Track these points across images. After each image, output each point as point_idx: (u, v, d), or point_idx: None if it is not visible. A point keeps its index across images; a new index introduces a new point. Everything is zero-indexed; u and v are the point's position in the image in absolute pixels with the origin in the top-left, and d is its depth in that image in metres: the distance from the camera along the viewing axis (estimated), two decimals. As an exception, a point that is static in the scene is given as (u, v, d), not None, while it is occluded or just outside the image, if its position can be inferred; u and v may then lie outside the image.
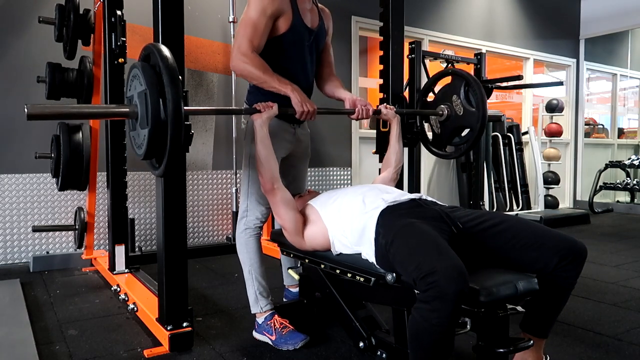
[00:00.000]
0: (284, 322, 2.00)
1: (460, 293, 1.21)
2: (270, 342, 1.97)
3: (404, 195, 1.71)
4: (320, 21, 2.09)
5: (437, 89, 2.57)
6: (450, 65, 4.32)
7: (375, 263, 1.54)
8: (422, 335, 1.27)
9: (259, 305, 2.03)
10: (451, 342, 1.28)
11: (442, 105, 2.39)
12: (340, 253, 1.71)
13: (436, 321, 1.22)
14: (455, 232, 1.51)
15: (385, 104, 2.27)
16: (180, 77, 1.86)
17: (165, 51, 1.44)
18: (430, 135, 2.62)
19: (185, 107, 1.42)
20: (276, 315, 2.02)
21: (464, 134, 2.41)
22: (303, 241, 1.79)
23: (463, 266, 1.25)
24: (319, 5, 2.15)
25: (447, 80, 2.45)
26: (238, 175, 3.91)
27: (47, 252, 3.35)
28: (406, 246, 1.40)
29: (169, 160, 1.43)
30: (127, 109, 1.50)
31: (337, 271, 1.73)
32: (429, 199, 1.74)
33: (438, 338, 1.25)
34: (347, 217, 1.67)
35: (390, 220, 1.53)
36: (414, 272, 1.28)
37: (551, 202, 5.82)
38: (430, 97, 2.62)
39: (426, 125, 2.70)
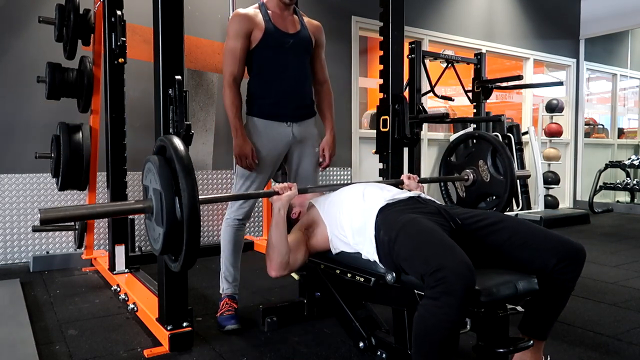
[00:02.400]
0: (232, 306, 2.21)
1: (469, 289, 1.22)
2: (217, 317, 2.21)
3: (402, 193, 1.71)
4: (302, 28, 2.23)
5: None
6: (450, 65, 4.33)
7: (377, 261, 1.53)
8: (429, 331, 1.26)
9: (221, 287, 2.27)
10: (457, 339, 1.28)
11: (468, 170, 2.27)
12: (339, 252, 1.71)
13: (444, 317, 1.22)
14: (453, 227, 1.52)
15: (408, 174, 2.14)
16: (181, 76, 1.90)
17: (181, 147, 1.37)
18: (454, 196, 2.48)
19: (200, 197, 1.37)
20: (227, 299, 2.23)
21: (489, 199, 2.31)
22: (310, 251, 1.79)
23: (471, 262, 1.25)
24: (307, 18, 2.31)
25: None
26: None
27: (47, 252, 3.35)
28: (412, 242, 1.39)
29: (185, 259, 1.39)
30: (143, 205, 1.45)
31: (337, 271, 1.73)
32: (428, 197, 1.74)
33: (445, 334, 1.25)
34: (346, 214, 1.67)
35: (391, 216, 1.53)
36: (422, 268, 1.28)
37: (551, 202, 5.82)
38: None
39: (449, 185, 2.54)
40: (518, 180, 5.44)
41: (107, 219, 3.08)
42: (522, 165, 5.67)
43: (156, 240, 1.44)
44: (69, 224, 3.31)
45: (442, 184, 2.48)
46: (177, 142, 1.39)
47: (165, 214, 1.34)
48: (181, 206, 1.33)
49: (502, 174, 2.16)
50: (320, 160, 2.35)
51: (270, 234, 1.70)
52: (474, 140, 2.35)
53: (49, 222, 1.30)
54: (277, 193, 1.72)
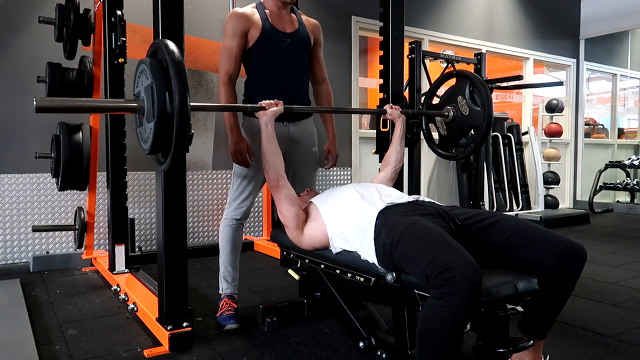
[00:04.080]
0: (231, 305, 2.21)
1: (476, 289, 1.22)
2: (217, 317, 2.21)
3: (402, 198, 1.72)
4: (300, 27, 2.23)
5: (441, 91, 2.57)
6: (450, 65, 4.33)
7: (376, 263, 1.53)
8: (434, 331, 1.26)
9: (221, 287, 2.28)
10: (461, 339, 1.28)
11: (448, 107, 2.39)
12: (339, 251, 1.71)
13: (450, 317, 1.23)
14: (453, 228, 1.52)
15: (390, 104, 2.32)
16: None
17: (172, 46, 1.46)
18: (436, 137, 2.62)
19: (191, 103, 1.44)
20: (227, 298, 2.23)
21: (470, 134, 2.41)
22: (302, 237, 1.79)
23: (477, 263, 1.25)
24: (305, 17, 2.32)
25: (452, 82, 2.45)
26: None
27: (47, 252, 3.35)
28: (416, 243, 1.39)
29: (174, 153, 1.44)
30: (135, 104, 1.53)
31: (337, 271, 1.73)
32: (427, 200, 1.74)
33: (450, 334, 1.25)
34: (346, 214, 1.67)
35: (391, 219, 1.53)
36: (428, 269, 1.28)
37: (551, 202, 5.83)
38: (435, 99, 2.61)
39: (431, 127, 2.69)
40: (517, 177, 5.49)
41: (107, 219, 3.08)
42: (522, 165, 5.68)
43: (146, 140, 1.50)
44: (69, 224, 3.32)
45: (423, 125, 2.64)
46: (170, 43, 1.47)
47: (157, 106, 1.41)
48: (171, 100, 1.40)
49: (479, 106, 2.28)
50: (326, 161, 2.39)
51: (263, 148, 1.83)
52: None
53: (44, 110, 1.35)
54: (264, 108, 1.83)
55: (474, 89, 2.29)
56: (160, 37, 1.90)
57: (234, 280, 2.27)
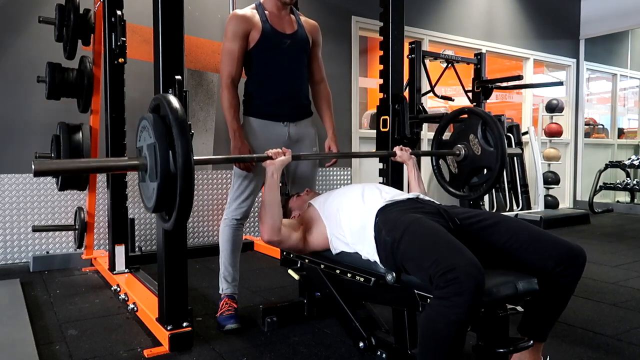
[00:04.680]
0: (232, 305, 2.21)
1: (479, 290, 1.22)
2: (217, 317, 2.21)
3: (402, 195, 1.72)
4: (299, 28, 2.23)
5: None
6: (450, 65, 4.33)
7: (378, 262, 1.53)
8: (438, 332, 1.26)
9: (221, 287, 2.28)
10: (463, 340, 1.28)
11: (459, 145, 2.29)
12: (339, 252, 1.71)
13: (454, 317, 1.22)
14: (452, 227, 1.52)
15: (400, 145, 2.20)
16: (181, 76, 1.90)
17: (175, 102, 1.40)
18: (446, 174, 2.49)
19: (194, 157, 1.37)
20: (227, 298, 2.23)
21: (482, 173, 2.30)
22: (305, 248, 1.80)
23: (479, 262, 1.25)
24: (304, 17, 2.31)
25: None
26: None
27: (47, 252, 3.35)
28: (418, 242, 1.39)
29: (179, 214, 1.38)
30: (137, 162, 1.45)
31: (337, 271, 1.73)
32: (426, 198, 1.74)
33: (455, 335, 1.25)
34: (346, 214, 1.67)
35: (392, 217, 1.53)
36: (431, 269, 1.28)
37: (551, 202, 5.82)
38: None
39: (441, 162, 2.55)
40: (517, 177, 5.48)
41: (107, 219, 3.08)
42: (522, 166, 5.68)
43: (149, 198, 1.44)
44: (69, 224, 3.32)
45: (433, 162, 2.51)
46: (172, 98, 1.41)
47: (159, 167, 1.35)
48: (175, 160, 1.34)
49: (492, 146, 2.17)
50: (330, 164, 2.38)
51: (264, 197, 1.74)
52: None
53: (42, 174, 1.30)
54: (271, 158, 1.74)
55: (486, 127, 2.19)
56: (160, 37, 1.91)
57: (234, 280, 2.27)
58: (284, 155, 1.75)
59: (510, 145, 5.56)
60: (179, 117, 1.35)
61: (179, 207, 1.36)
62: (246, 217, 2.27)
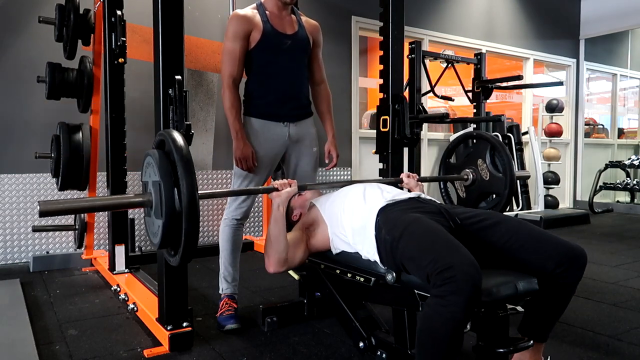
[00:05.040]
0: (232, 305, 2.22)
1: (476, 288, 1.22)
2: (217, 317, 2.21)
3: (403, 194, 1.72)
4: (300, 29, 2.23)
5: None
6: (450, 65, 4.33)
7: (378, 261, 1.53)
8: (435, 330, 1.26)
9: (221, 287, 2.28)
10: (461, 339, 1.28)
11: (467, 170, 2.27)
12: (340, 252, 1.71)
13: (450, 316, 1.23)
14: (453, 227, 1.52)
15: (407, 172, 2.15)
16: (181, 76, 1.90)
17: (179, 140, 1.39)
18: (454, 198, 2.46)
19: (199, 192, 1.37)
20: (227, 298, 2.24)
21: (490, 198, 2.30)
22: (309, 252, 1.80)
23: (476, 262, 1.25)
24: (305, 18, 2.30)
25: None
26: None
27: (47, 252, 3.35)
28: (417, 241, 1.39)
29: (184, 252, 1.37)
30: (142, 199, 1.45)
31: (337, 271, 1.73)
32: (427, 197, 1.74)
33: (451, 333, 1.25)
34: (348, 214, 1.67)
35: (393, 216, 1.53)
36: (429, 267, 1.28)
37: (551, 202, 5.82)
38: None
39: (449, 186, 2.52)
40: (518, 180, 5.49)
41: (107, 219, 3.08)
42: (522, 166, 5.67)
43: (155, 234, 1.44)
44: (69, 224, 3.32)
45: (441, 185, 2.48)
46: (176, 135, 1.41)
47: (164, 205, 1.35)
48: (180, 197, 1.33)
49: (501, 172, 2.16)
50: (327, 161, 2.38)
51: (269, 230, 1.70)
52: (474, 141, 2.35)
53: (48, 214, 1.30)
54: (277, 189, 1.72)
55: (495, 152, 2.18)
56: (160, 37, 1.91)
57: (234, 280, 2.27)
58: (290, 186, 1.73)
59: (510, 145, 5.56)
60: (184, 156, 1.35)
61: (185, 246, 1.35)
62: (246, 217, 2.26)
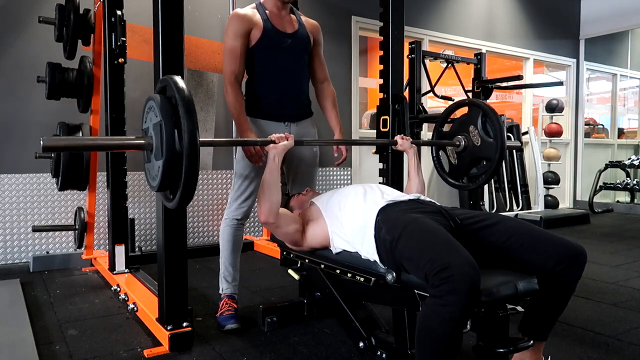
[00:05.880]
0: (232, 305, 2.22)
1: (474, 288, 1.22)
2: (217, 317, 2.22)
3: (403, 196, 1.72)
4: (300, 27, 2.23)
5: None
6: (450, 65, 4.34)
7: (377, 261, 1.53)
8: (433, 330, 1.27)
9: (221, 287, 2.28)
10: (460, 338, 1.28)
11: (459, 136, 2.33)
12: (340, 251, 1.71)
13: (448, 316, 1.23)
14: (453, 227, 1.52)
15: (401, 134, 2.25)
16: (181, 76, 1.90)
17: (181, 83, 1.43)
18: (446, 165, 2.52)
19: (200, 139, 1.40)
20: (227, 298, 2.24)
21: (481, 164, 2.34)
22: (303, 243, 1.80)
23: (475, 262, 1.25)
24: (304, 17, 2.31)
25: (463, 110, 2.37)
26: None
27: (47, 252, 3.35)
28: (416, 241, 1.40)
29: (183, 192, 1.40)
30: (142, 141, 1.49)
31: (337, 271, 1.73)
32: (427, 199, 1.75)
33: (449, 333, 1.25)
34: (348, 213, 1.68)
35: (393, 216, 1.53)
36: (427, 267, 1.28)
37: (551, 202, 5.82)
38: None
39: (441, 154, 2.57)
40: (517, 177, 5.48)
41: (107, 219, 3.08)
42: (522, 165, 5.68)
43: (154, 177, 1.47)
44: (69, 224, 3.32)
45: (433, 153, 2.55)
46: (178, 79, 1.44)
47: (165, 145, 1.38)
48: (180, 138, 1.36)
49: (492, 137, 2.21)
50: (336, 155, 2.34)
51: (264, 179, 1.75)
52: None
53: (51, 149, 1.34)
54: (274, 142, 1.77)
55: (486, 119, 2.23)
56: (160, 37, 1.90)
57: (234, 280, 2.28)
58: (287, 140, 1.78)
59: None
60: (185, 97, 1.38)
61: (184, 185, 1.38)
62: (247, 217, 2.26)
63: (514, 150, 5.57)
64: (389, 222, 1.52)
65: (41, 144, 1.31)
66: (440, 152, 2.51)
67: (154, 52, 1.96)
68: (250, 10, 2.16)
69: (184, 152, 1.35)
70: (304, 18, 2.30)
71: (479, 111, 2.25)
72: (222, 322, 2.15)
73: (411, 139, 2.19)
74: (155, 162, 1.45)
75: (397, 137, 2.19)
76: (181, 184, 1.38)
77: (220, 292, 2.28)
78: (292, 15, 2.26)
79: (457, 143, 2.32)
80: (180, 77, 1.46)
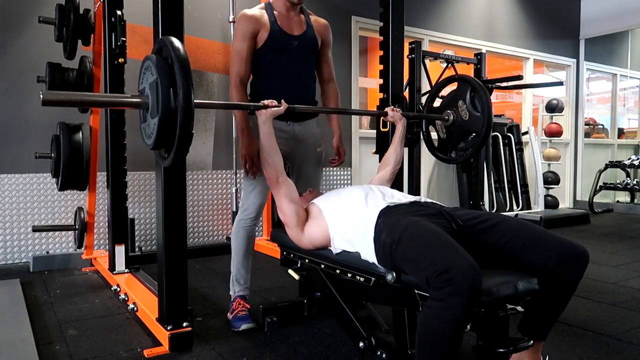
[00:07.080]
0: (245, 306, 2.22)
1: (476, 290, 1.22)
2: (229, 319, 2.22)
3: (405, 198, 1.72)
4: (308, 29, 2.22)
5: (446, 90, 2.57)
6: (450, 65, 4.33)
7: (376, 262, 1.53)
8: (434, 332, 1.26)
9: (233, 289, 2.28)
10: (460, 340, 1.28)
11: (448, 111, 2.40)
12: (340, 251, 1.71)
13: (450, 318, 1.22)
14: (455, 228, 1.52)
15: (392, 106, 2.33)
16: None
17: (177, 43, 1.47)
18: (435, 140, 2.61)
19: (195, 100, 1.45)
20: (240, 299, 2.24)
21: (469, 138, 2.43)
22: (303, 236, 1.79)
23: (476, 264, 1.25)
24: (314, 17, 2.30)
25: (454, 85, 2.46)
26: (238, 175, 3.91)
27: (47, 252, 3.35)
28: (416, 244, 1.39)
29: (177, 149, 1.45)
30: (139, 99, 1.54)
31: (337, 271, 1.73)
32: (429, 200, 1.75)
33: (451, 336, 1.25)
34: (349, 214, 1.68)
35: (392, 219, 1.53)
36: (428, 270, 1.28)
37: (551, 202, 5.82)
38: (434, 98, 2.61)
39: (431, 129, 2.68)
40: (517, 177, 5.49)
41: (107, 219, 3.08)
42: (522, 165, 5.68)
43: (150, 135, 1.52)
44: (69, 224, 3.32)
45: (423, 128, 2.64)
46: (175, 40, 1.49)
47: (161, 102, 1.42)
48: (175, 96, 1.41)
49: (479, 111, 2.29)
50: (336, 157, 2.40)
51: (262, 145, 1.83)
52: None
53: (51, 103, 1.37)
54: (266, 107, 1.82)
55: (474, 94, 2.31)
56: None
57: (245, 282, 2.28)
58: (280, 106, 1.83)
59: (510, 145, 5.56)
60: (181, 56, 1.43)
61: (179, 141, 1.43)
62: (259, 215, 2.27)
63: (514, 150, 5.58)
64: (389, 225, 1.51)
65: (41, 98, 1.33)
66: (430, 128, 2.61)
67: (154, 52, 1.96)
68: (258, 11, 2.15)
69: (179, 109, 1.40)
70: (313, 18, 2.28)
71: (468, 86, 2.32)
72: (236, 323, 2.15)
73: (401, 111, 2.24)
74: (150, 120, 1.49)
75: (388, 109, 2.23)
76: (175, 140, 1.43)
77: (231, 293, 2.28)
78: (302, 16, 2.23)
79: (446, 117, 2.40)
80: (176, 38, 1.50)
